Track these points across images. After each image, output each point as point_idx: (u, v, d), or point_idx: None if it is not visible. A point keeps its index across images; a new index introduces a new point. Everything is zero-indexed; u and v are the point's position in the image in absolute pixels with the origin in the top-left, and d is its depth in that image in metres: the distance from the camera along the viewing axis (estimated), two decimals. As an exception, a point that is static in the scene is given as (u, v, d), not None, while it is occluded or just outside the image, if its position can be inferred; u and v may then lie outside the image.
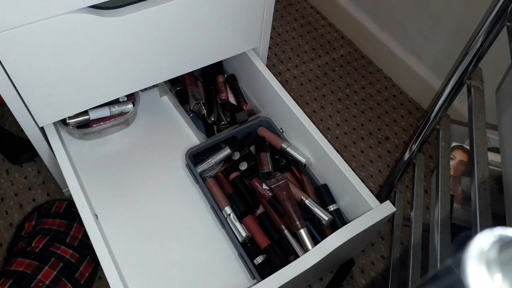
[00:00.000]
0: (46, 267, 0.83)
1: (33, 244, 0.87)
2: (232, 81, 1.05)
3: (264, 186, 0.86)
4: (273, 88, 0.91)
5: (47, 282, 0.81)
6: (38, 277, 0.81)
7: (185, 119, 1.02)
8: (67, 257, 0.86)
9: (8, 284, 0.79)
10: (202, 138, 0.97)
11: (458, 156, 0.86)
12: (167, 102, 1.07)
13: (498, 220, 0.60)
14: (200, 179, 0.89)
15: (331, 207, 0.84)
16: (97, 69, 0.76)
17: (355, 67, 1.45)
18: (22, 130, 0.79)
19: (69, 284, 0.83)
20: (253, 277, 0.79)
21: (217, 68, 1.05)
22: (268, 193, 0.85)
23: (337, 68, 1.44)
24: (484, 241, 0.16)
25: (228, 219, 0.84)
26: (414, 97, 1.37)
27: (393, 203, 0.77)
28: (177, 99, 1.04)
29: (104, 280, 0.88)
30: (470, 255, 0.16)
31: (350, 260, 1.02)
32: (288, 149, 0.91)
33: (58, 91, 0.75)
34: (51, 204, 0.97)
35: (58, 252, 0.86)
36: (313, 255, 0.69)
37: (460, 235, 0.81)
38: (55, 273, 0.83)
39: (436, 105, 0.80)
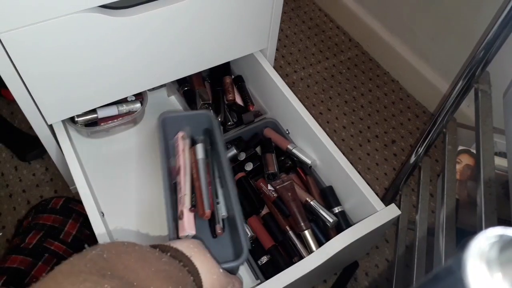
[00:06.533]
0: (40, 263, 0.83)
1: (26, 240, 0.87)
2: (239, 82, 1.06)
3: (269, 187, 0.87)
4: (280, 90, 0.91)
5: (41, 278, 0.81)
6: (32, 273, 0.81)
7: (192, 119, 1.03)
8: (61, 253, 0.86)
9: (2, 281, 0.79)
10: (208, 138, 0.98)
11: (465, 160, 0.85)
12: (175, 102, 1.08)
13: (504, 225, 0.60)
14: (206, 179, 0.89)
15: (336, 209, 0.84)
16: (106, 68, 0.76)
17: (363, 69, 1.45)
18: (31, 127, 0.80)
19: None
20: (257, 278, 0.79)
21: (224, 69, 1.05)
22: (273, 194, 0.86)
23: (344, 71, 1.44)
24: (484, 240, 0.17)
25: (233, 219, 0.84)
26: (421, 101, 1.37)
27: (398, 206, 0.76)
28: (184, 99, 1.04)
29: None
30: (471, 254, 0.16)
31: (354, 262, 1.02)
32: (294, 151, 0.91)
33: (67, 89, 0.76)
34: (49, 200, 0.97)
35: (52, 248, 0.86)
36: (317, 257, 0.69)
37: (466, 240, 0.81)
38: (49, 268, 0.83)
39: (443, 108, 0.79)
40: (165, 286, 0.28)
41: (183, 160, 0.82)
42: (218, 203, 0.80)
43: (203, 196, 0.77)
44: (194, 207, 0.77)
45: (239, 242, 0.71)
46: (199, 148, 0.84)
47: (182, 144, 0.84)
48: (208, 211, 0.76)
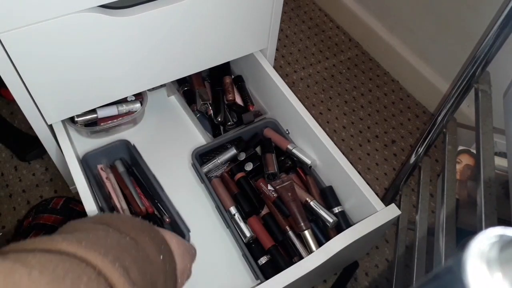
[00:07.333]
0: None
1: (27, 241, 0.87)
2: (239, 82, 1.06)
3: (269, 187, 0.87)
4: (280, 90, 0.91)
5: None
6: None
7: (192, 119, 1.03)
8: None
9: None
10: (208, 138, 0.98)
11: (465, 160, 0.85)
12: (175, 102, 1.08)
13: (504, 225, 0.60)
14: (206, 179, 0.89)
15: (336, 209, 0.84)
16: (106, 68, 0.76)
17: (363, 69, 1.45)
18: (31, 127, 0.80)
19: None
20: (257, 278, 0.79)
21: (224, 69, 1.05)
22: (273, 194, 0.86)
23: (344, 71, 1.44)
24: (484, 240, 0.17)
25: (232, 219, 0.84)
26: (421, 101, 1.37)
27: (398, 206, 0.76)
28: (184, 99, 1.04)
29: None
30: (471, 254, 0.16)
31: (354, 262, 1.02)
32: (294, 151, 0.91)
33: (67, 89, 0.76)
34: (49, 200, 0.97)
35: None
36: (317, 257, 0.69)
37: (466, 240, 0.81)
38: None
39: (443, 108, 0.79)
40: (146, 236, 0.38)
41: (110, 185, 0.89)
42: (157, 202, 0.88)
43: (135, 197, 0.87)
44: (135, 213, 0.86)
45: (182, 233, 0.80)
46: (118, 164, 0.92)
47: (103, 174, 0.91)
48: (143, 207, 0.85)
